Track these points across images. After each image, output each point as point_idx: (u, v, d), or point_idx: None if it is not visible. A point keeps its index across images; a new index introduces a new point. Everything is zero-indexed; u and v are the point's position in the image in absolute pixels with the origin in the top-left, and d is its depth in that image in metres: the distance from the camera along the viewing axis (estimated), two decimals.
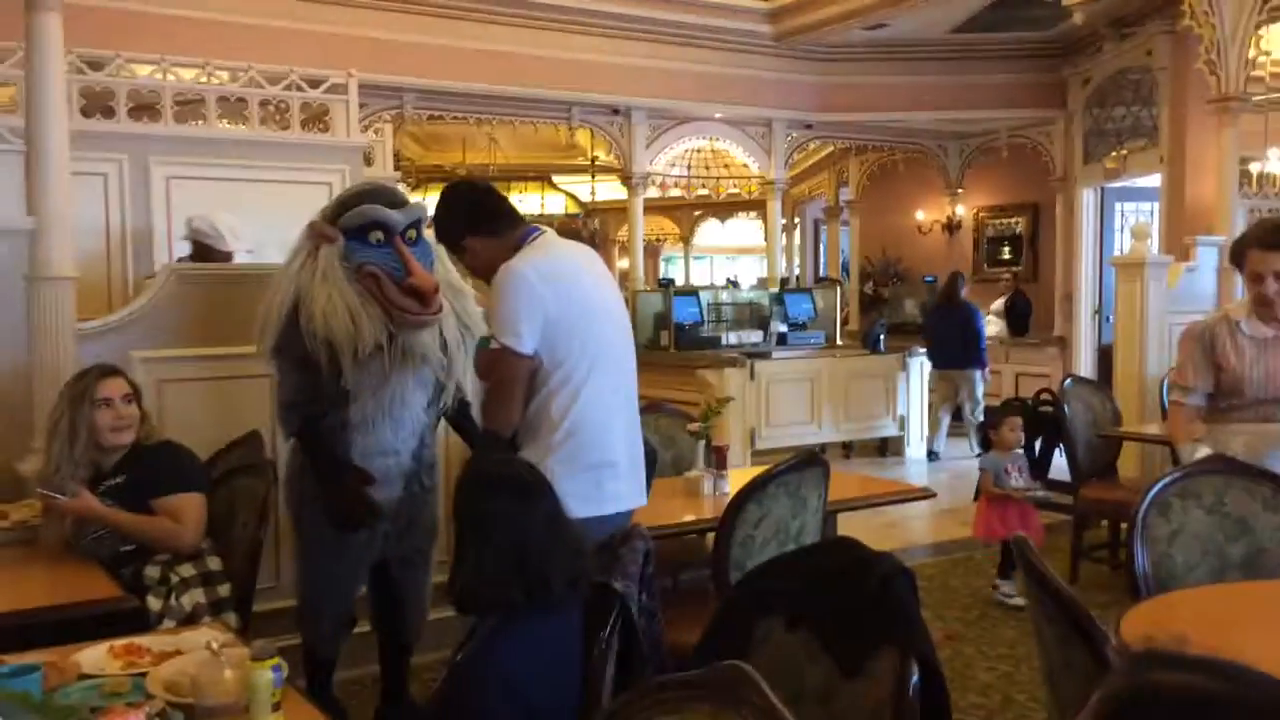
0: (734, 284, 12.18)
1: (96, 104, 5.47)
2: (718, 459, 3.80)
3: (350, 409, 3.06)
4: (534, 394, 2.70)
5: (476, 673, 1.94)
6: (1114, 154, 9.50)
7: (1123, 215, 10.06)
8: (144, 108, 5.64)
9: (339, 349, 2.94)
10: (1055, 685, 1.98)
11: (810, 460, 3.19)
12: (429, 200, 14.44)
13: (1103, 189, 9.98)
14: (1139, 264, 6.34)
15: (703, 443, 3.88)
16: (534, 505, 1.99)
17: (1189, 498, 2.91)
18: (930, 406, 9.26)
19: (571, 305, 2.69)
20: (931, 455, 9.05)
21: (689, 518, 3.59)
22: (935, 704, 1.86)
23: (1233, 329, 3.34)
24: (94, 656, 2.12)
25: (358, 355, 2.95)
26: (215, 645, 2.08)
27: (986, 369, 9.12)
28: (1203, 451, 3.21)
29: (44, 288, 3.62)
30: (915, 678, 1.77)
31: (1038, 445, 6.93)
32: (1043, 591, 1.92)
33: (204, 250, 4.88)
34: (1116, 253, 9.93)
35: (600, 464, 2.70)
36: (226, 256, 4.84)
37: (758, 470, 4.38)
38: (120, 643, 2.18)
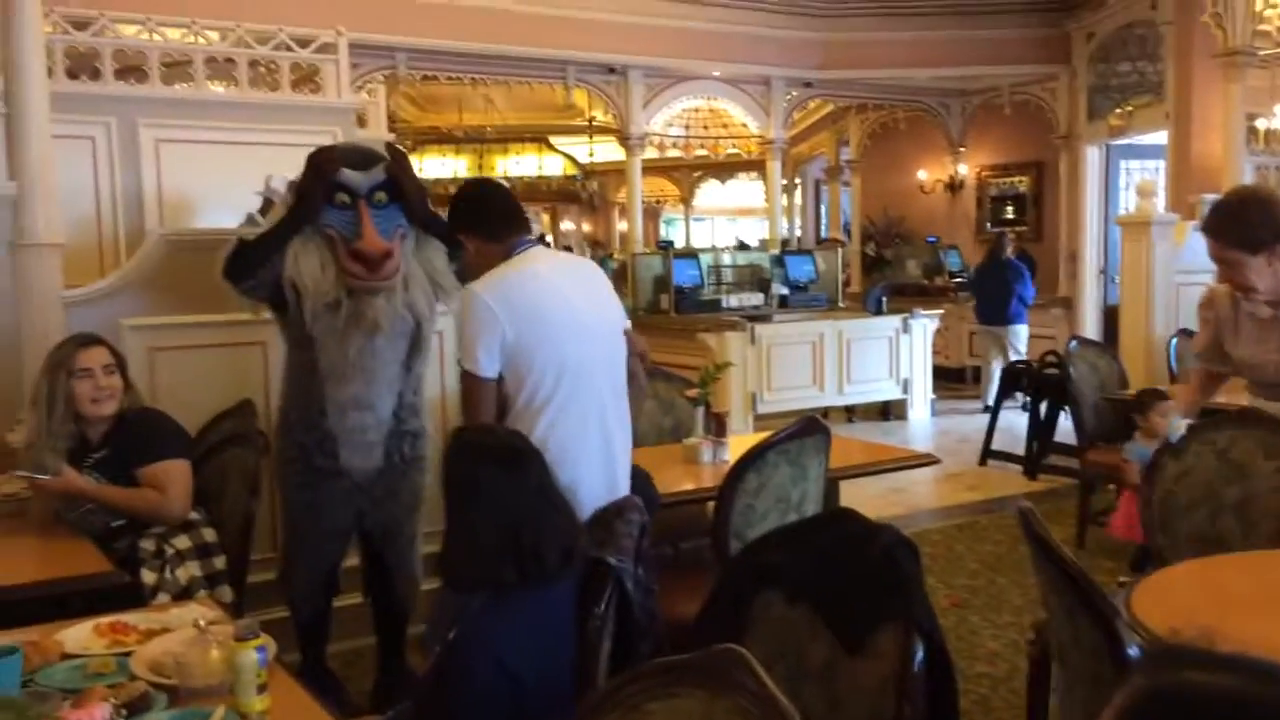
0: (744, 245, 12.02)
1: (83, 66, 5.36)
2: (716, 426, 3.73)
3: (319, 357, 3.09)
4: (508, 412, 2.64)
5: (469, 651, 1.89)
6: (1119, 110, 9.38)
7: (1128, 173, 9.94)
8: (131, 69, 5.54)
9: (303, 292, 3.02)
10: (1064, 658, 1.93)
11: (810, 427, 3.13)
12: (426, 163, 14.24)
13: (1108, 146, 9.87)
14: (1144, 222, 6.26)
15: (701, 409, 3.82)
16: (525, 474, 1.93)
17: (1205, 443, 2.90)
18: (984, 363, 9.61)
19: (531, 329, 2.57)
20: (987, 409, 8.99)
21: (688, 486, 3.53)
22: (940, 680, 1.81)
23: (1235, 303, 3.04)
24: (78, 635, 2.07)
25: (315, 305, 3.04)
26: (203, 623, 2.04)
27: (1024, 325, 9.24)
28: (1181, 426, 2.99)
29: (28, 255, 3.55)
30: (920, 653, 1.72)
31: (1043, 408, 6.91)
32: (1049, 563, 1.87)
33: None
34: (1122, 211, 9.84)
35: (566, 486, 2.50)
36: None
37: (759, 436, 4.34)
38: (106, 620, 2.13)
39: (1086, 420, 5.34)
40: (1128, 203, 9.94)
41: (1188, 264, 6.49)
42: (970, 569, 4.93)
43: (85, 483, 2.93)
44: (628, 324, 2.86)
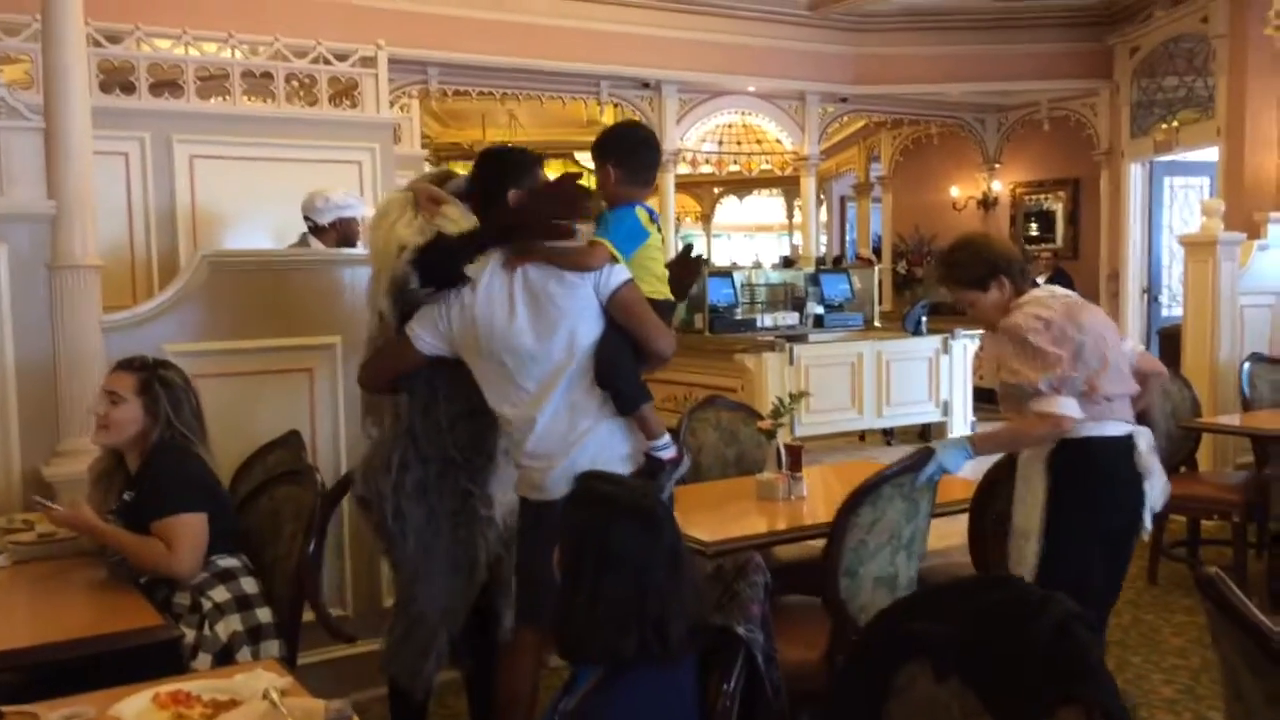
0: (789, 262, 11.78)
1: (115, 79, 5.19)
2: (792, 460, 3.51)
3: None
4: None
5: None
6: (1164, 126, 9.14)
7: (1172, 190, 9.71)
8: (166, 84, 5.37)
9: None
10: None
11: (923, 459, 2.91)
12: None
13: (1151, 163, 9.62)
14: (1210, 242, 6.03)
15: (774, 442, 3.59)
16: (659, 539, 1.72)
17: None
18: None
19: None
20: None
21: (760, 529, 3.26)
22: None
23: None
24: (137, 708, 1.85)
25: None
26: (274, 694, 1.84)
27: None
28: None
29: (67, 277, 3.36)
30: None
31: None
32: (1247, 638, 1.64)
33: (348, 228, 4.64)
34: (1166, 229, 9.62)
35: None
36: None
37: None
38: (166, 689, 1.91)
39: (1160, 449, 5.07)
40: (1171, 220, 9.71)
41: (1253, 285, 6.27)
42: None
43: (94, 518, 2.68)
44: None
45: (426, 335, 2.74)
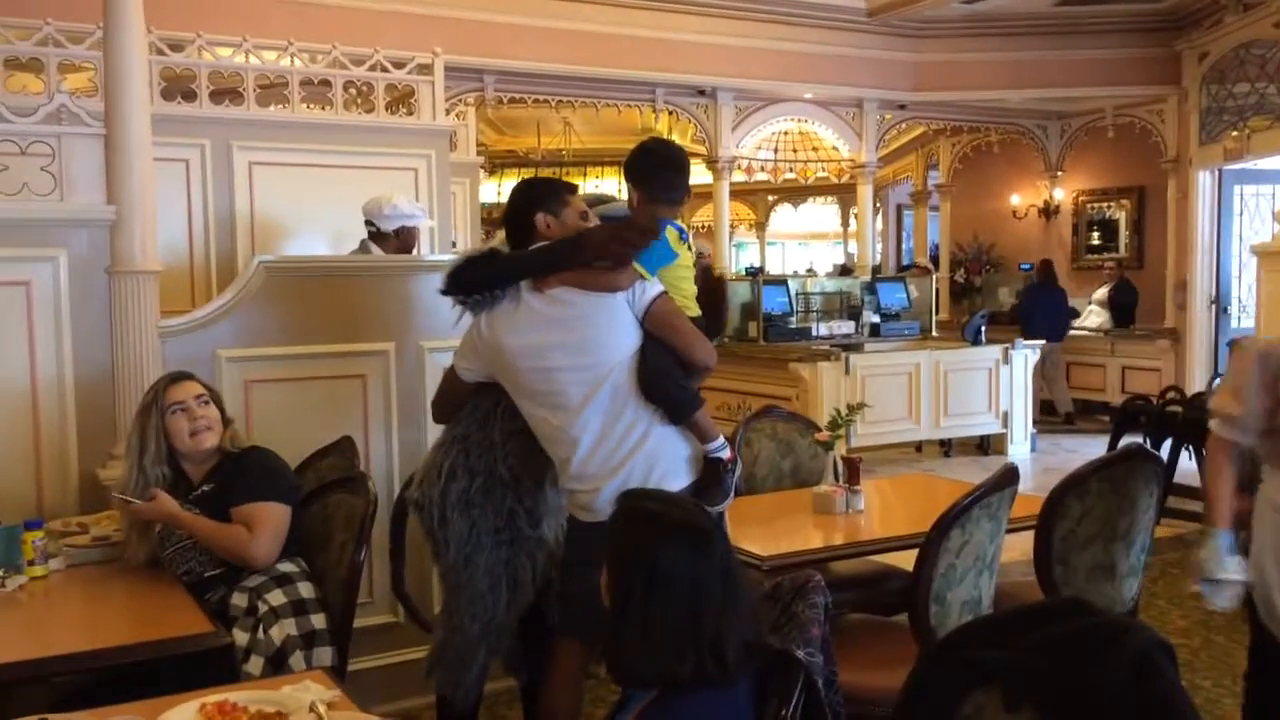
0: (846, 270, 11.77)
1: (177, 87, 5.25)
2: (850, 472, 3.43)
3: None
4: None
5: None
6: (1235, 133, 8.89)
7: (1242, 199, 9.44)
8: (226, 91, 5.42)
9: None
10: None
11: (1010, 477, 2.81)
12: (504, 185, 14.25)
13: (1220, 171, 9.36)
14: None
15: (832, 454, 3.52)
16: (711, 556, 1.65)
17: None
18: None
19: None
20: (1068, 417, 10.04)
21: (823, 543, 3.19)
22: None
23: None
24: (183, 718, 1.84)
25: None
26: (321, 708, 1.81)
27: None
28: (1231, 569, 2.59)
29: (126, 282, 3.38)
30: None
31: (1165, 448, 6.46)
32: None
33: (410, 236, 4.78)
34: (1236, 239, 9.36)
35: None
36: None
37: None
38: (212, 700, 1.89)
39: None
40: (1242, 229, 9.44)
41: None
42: (1178, 625, 4.59)
43: (177, 507, 2.73)
44: None
45: (465, 363, 2.80)
